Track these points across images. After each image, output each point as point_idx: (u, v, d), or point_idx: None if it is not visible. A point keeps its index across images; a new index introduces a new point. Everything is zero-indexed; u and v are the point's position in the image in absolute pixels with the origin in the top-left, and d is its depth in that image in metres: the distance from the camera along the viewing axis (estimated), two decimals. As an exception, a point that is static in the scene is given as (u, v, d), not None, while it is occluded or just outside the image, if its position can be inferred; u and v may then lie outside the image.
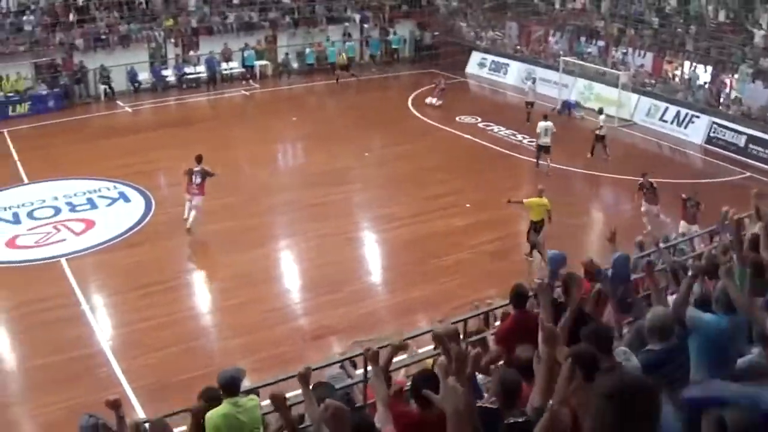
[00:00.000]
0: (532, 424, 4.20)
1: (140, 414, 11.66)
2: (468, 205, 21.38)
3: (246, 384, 7.54)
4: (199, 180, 19.46)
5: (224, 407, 6.75)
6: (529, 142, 26.29)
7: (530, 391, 4.97)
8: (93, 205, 21.41)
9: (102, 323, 15.72)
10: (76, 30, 32.61)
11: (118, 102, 32.22)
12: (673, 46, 31.25)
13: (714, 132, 27.59)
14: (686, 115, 28.73)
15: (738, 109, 27.90)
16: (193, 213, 19.47)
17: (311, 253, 19.15)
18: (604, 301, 8.29)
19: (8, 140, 27.01)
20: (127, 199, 21.86)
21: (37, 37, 31.75)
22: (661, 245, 10.65)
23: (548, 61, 34.81)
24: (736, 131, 26.95)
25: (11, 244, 19.15)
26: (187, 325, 15.74)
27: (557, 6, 36.78)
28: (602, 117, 25.72)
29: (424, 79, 35.20)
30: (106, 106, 31.95)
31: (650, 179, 19.78)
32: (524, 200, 18.45)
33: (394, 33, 40.34)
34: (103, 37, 33.01)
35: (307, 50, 37.33)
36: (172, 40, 34.94)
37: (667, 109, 29.40)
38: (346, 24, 39.18)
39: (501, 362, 7.51)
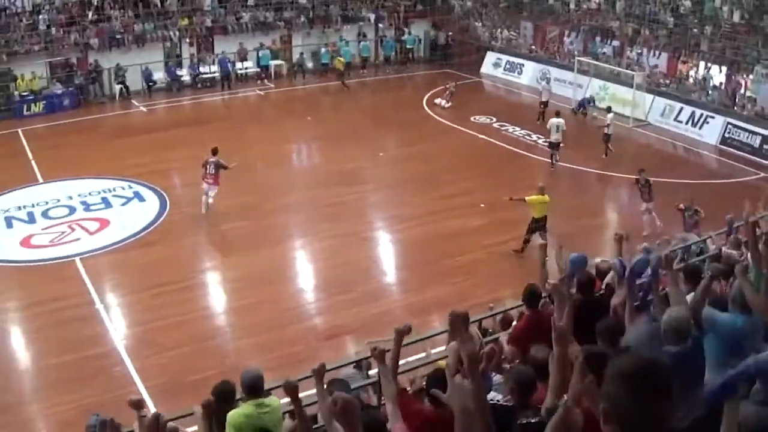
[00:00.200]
0: (545, 426, 4.16)
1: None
2: (482, 205, 21.27)
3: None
4: (213, 170, 20.15)
5: (247, 408, 6.64)
6: (543, 142, 26.16)
7: (545, 392, 4.94)
8: (107, 205, 21.47)
9: (116, 322, 15.78)
10: (91, 29, 32.70)
11: (133, 101, 32.31)
12: (688, 47, 31.03)
13: (729, 132, 27.40)
14: (701, 115, 28.53)
15: (753, 109, 27.70)
16: (210, 201, 20.27)
17: (325, 253, 19.15)
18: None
19: (23, 140, 27.14)
20: (141, 199, 21.90)
21: (52, 37, 31.89)
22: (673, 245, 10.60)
23: (563, 61, 34.69)
24: (751, 132, 26.74)
25: (26, 243, 19.24)
26: (200, 324, 15.77)
27: (572, 6, 36.62)
28: (610, 116, 25.55)
29: (439, 80, 35.05)
30: (121, 105, 32.03)
31: (646, 176, 19.66)
32: (526, 198, 18.31)
33: (409, 33, 40.21)
34: (118, 36, 33.10)
35: (322, 50, 37.29)
36: (187, 40, 35.02)
37: (681, 109, 29.21)
38: (361, 23, 39.14)
39: (516, 361, 7.49)
